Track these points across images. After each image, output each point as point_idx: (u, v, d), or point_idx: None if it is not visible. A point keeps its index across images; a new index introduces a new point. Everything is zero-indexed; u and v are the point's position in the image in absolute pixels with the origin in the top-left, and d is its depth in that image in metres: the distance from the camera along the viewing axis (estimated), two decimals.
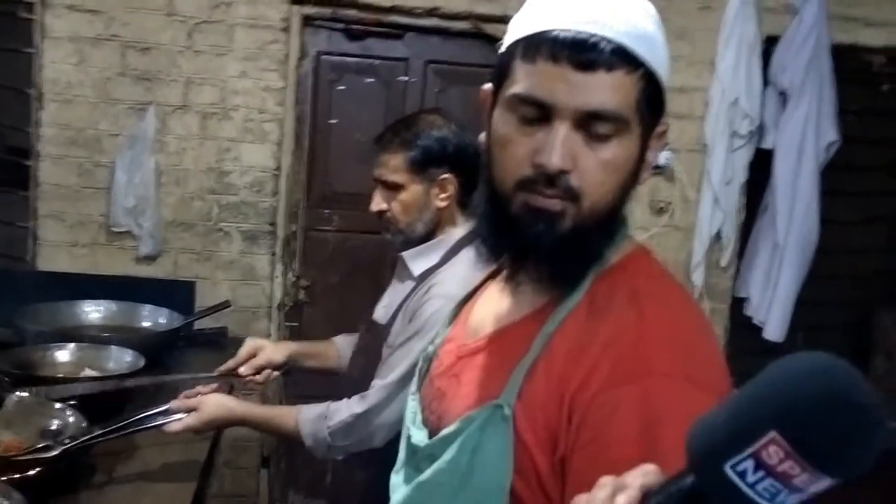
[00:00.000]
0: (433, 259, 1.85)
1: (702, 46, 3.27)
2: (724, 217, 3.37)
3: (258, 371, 2.02)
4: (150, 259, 3.12)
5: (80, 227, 3.09)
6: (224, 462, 3.25)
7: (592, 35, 0.86)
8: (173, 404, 1.69)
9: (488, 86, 0.97)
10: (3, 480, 1.43)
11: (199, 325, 2.91)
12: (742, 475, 0.53)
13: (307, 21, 3.15)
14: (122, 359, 2.12)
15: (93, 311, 2.61)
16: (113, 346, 2.18)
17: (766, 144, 3.36)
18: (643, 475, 0.58)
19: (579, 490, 0.80)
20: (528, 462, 0.86)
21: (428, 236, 1.88)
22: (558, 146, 0.86)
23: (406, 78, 3.26)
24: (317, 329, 3.33)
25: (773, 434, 0.52)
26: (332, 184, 3.27)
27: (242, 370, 2.01)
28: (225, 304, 2.71)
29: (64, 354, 2.13)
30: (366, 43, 3.22)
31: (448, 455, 0.91)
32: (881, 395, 0.52)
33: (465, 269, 1.68)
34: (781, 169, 3.33)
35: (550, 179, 0.87)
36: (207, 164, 3.12)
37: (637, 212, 3.36)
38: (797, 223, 3.32)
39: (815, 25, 3.23)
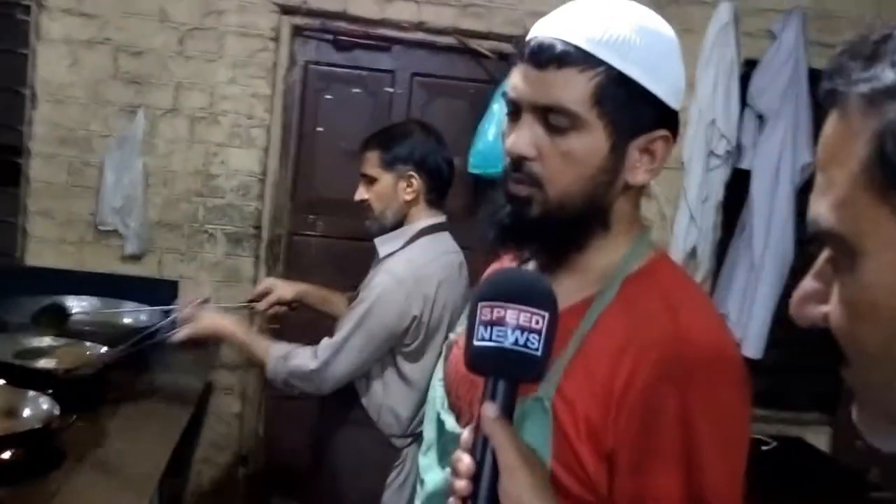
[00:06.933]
0: (396, 244, 2.16)
1: None
2: (700, 235, 3.44)
3: (271, 306, 2.42)
4: (136, 258, 3.19)
5: (68, 224, 3.16)
6: (202, 459, 3.31)
7: (552, 38, 0.97)
8: (178, 316, 2.07)
9: None
10: None
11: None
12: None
13: (297, 31, 3.23)
14: (96, 353, 2.17)
15: (75, 307, 2.67)
16: (87, 342, 2.24)
17: (744, 165, 3.43)
18: None
19: (631, 476, 0.92)
20: (571, 453, 0.93)
21: (397, 225, 2.18)
22: (519, 134, 0.98)
23: (392, 89, 3.33)
24: (298, 333, 3.38)
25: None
26: (318, 190, 3.34)
27: (259, 305, 2.43)
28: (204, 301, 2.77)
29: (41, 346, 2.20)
30: (353, 54, 3.30)
31: None
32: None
33: (417, 253, 2.11)
34: (758, 189, 3.40)
35: (516, 165, 0.99)
36: (195, 167, 3.19)
37: None
38: (773, 242, 3.38)
39: (794, 50, 3.31)
